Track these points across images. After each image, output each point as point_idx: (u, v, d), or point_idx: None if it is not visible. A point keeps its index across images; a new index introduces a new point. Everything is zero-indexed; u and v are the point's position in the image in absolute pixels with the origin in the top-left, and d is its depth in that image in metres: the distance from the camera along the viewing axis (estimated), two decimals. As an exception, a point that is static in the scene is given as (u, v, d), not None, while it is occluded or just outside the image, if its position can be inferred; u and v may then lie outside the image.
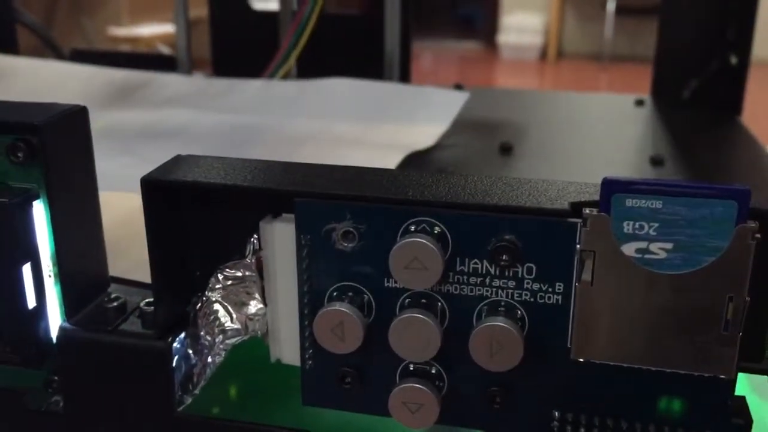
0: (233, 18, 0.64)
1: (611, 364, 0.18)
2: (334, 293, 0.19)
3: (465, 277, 0.19)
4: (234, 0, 0.64)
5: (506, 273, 0.19)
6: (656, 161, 0.39)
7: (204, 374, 0.21)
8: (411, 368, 0.20)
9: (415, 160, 0.38)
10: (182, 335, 0.21)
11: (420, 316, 0.19)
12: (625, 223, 0.17)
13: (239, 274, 0.21)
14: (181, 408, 0.21)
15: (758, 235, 0.17)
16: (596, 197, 0.17)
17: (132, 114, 0.46)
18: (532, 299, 0.19)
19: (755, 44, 0.51)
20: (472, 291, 0.19)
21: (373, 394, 0.20)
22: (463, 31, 3.31)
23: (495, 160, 0.40)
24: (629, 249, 0.17)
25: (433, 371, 0.20)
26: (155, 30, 1.92)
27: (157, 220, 0.20)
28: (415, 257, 0.18)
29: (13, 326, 0.21)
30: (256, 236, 0.21)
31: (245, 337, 0.21)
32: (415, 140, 0.41)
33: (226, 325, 0.21)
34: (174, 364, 0.21)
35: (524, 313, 0.19)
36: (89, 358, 0.21)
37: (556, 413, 0.19)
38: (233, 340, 0.21)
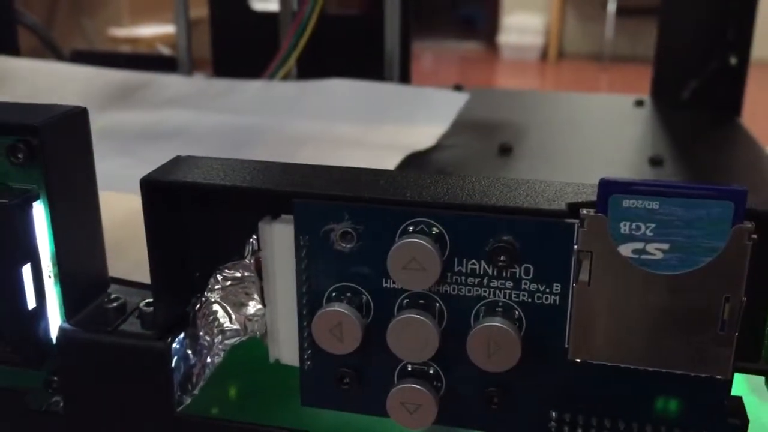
0: (233, 18, 0.64)
1: (608, 364, 0.18)
2: (333, 294, 0.20)
3: (463, 278, 0.19)
4: (234, 0, 0.64)
5: (504, 273, 0.19)
6: (655, 162, 0.40)
7: (203, 374, 0.21)
8: (409, 369, 0.20)
9: (414, 161, 0.38)
10: (181, 336, 0.21)
11: (418, 316, 0.19)
12: (622, 224, 0.17)
13: (238, 274, 0.21)
14: (180, 408, 0.21)
15: (754, 236, 0.17)
16: (593, 198, 0.17)
17: (132, 115, 0.46)
18: (529, 300, 0.19)
19: (755, 44, 0.51)
20: (469, 291, 0.19)
21: (371, 394, 0.20)
22: (464, 31, 3.31)
23: (494, 161, 0.40)
24: (626, 249, 0.17)
25: (431, 372, 0.20)
26: (156, 30, 1.92)
27: (156, 221, 0.20)
28: (413, 258, 0.18)
29: (13, 327, 0.21)
30: (255, 237, 0.21)
31: (244, 338, 0.21)
32: (414, 141, 0.41)
33: (225, 325, 0.21)
34: (173, 365, 0.21)
35: (522, 313, 0.19)
36: (89, 358, 0.21)
37: (554, 413, 0.19)
38: (232, 341, 0.21)
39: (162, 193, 0.20)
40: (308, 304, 0.20)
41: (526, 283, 0.19)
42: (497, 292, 0.19)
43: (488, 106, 0.53)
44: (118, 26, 1.92)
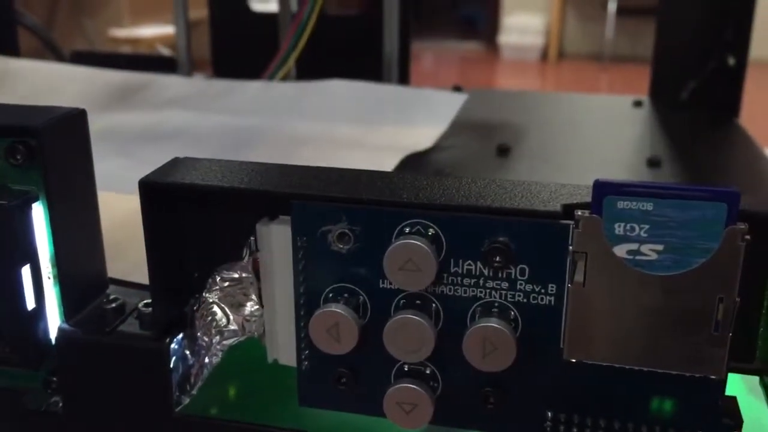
0: (233, 19, 0.64)
1: (603, 364, 0.18)
2: (330, 294, 0.20)
3: (459, 279, 0.19)
4: (234, 1, 0.64)
5: (499, 274, 0.19)
6: (653, 162, 0.40)
7: (201, 375, 0.22)
8: (406, 369, 0.20)
9: (413, 162, 0.39)
10: (180, 336, 0.21)
11: (414, 317, 0.19)
12: (616, 225, 0.17)
13: (236, 275, 0.21)
14: (179, 408, 0.21)
15: (748, 237, 0.17)
16: (588, 199, 0.18)
17: (132, 116, 0.46)
18: (525, 300, 0.19)
19: (753, 45, 0.51)
20: (465, 292, 0.19)
21: (368, 394, 0.20)
22: (464, 31, 3.31)
23: (492, 162, 0.40)
24: (621, 250, 0.17)
25: (428, 372, 0.20)
26: (156, 31, 1.93)
27: (155, 222, 0.20)
28: (410, 259, 0.18)
29: (12, 327, 0.21)
30: (252, 238, 0.21)
31: (242, 338, 0.21)
32: (413, 142, 0.41)
33: (223, 326, 0.21)
34: (172, 365, 0.21)
35: (517, 314, 0.19)
36: (88, 358, 0.21)
37: (549, 413, 0.20)
38: (230, 341, 0.21)
39: (160, 195, 0.20)
40: (305, 305, 0.20)
41: (521, 284, 0.19)
42: (493, 292, 0.19)
43: (487, 107, 0.53)
44: (119, 27, 1.92)
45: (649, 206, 0.17)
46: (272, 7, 0.61)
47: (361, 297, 0.20)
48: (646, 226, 0.17)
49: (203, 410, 0.23)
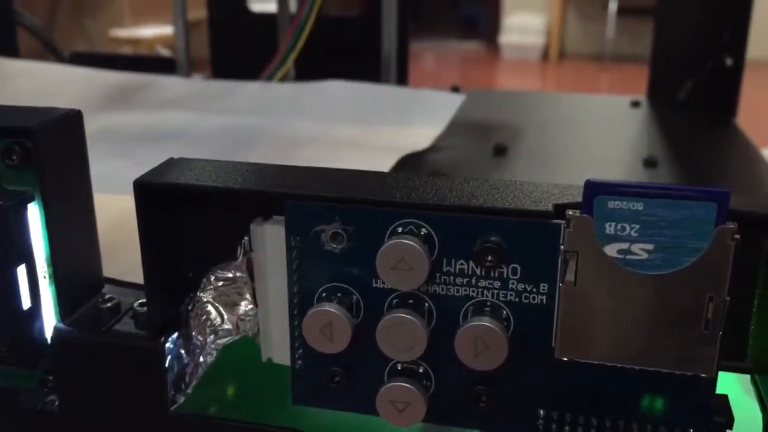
0: (232, 20, 0.64)
1: (595, 363, 0.19)
2: (323, 294, 0.20)
3: (451, 278, 0.19)
4: (232, 2, 0.64)
5: (491, 274, 0.19)
6: (650, 163, 0.40)
7: (196, 374, 0.22)
8: (399, 367, 0.20)
9: (410, 162, 0.39)
10: (175, 335, 0.21)
11: (407, 316, 0.19)
12: (607, 225, 0.17)
13: (230, 275, 0.21)
14: (174, 407, 0.22)
15: (737, 236, 0.17)
16: (579, 199, 0.18)
17: (130, 116, 0.46)
18: (517, 299, 0.19)
19: (750, 45, 0.51)
20: (458, 291, 0.19)
21: (361, 393, 0.20)
22: (465, 31, 3.31)
23: (489, 162, 0.40)
24: (611, 250, 0.18)
25: (421, 370, 0.20)
26: (157, 31, 1.93)
27: (149, 222, 0.20)
28: (402, 258, 0.19)
29: (8, 327, 0.21)
30: (246, 238, 0.21)
31: (236, 337, 0.22)
32: (411, 142, 0.41)
33: (217, 325, 0.21)
34: (167, 364, 0.21)
35: (509, 313, 0.19)
36: (83, 358, 0.21)
37: (541, 411, 0.20)
38: (225, 340, 0.21)
39: (155, 195, 0.20)
40: (299, 304, 0.20)
41: (513, 283, 0.19)
42: (485, 291, 0.19)
43: (484, 108, 0.53)
44: (120, 27, 1.93)
45: (639, 206, 0.17)
46: (271, 7, 0.61)
47: (354, 296, 0.20)
48: (637, 226, 0.17)
49: (198, 409, 0.23)
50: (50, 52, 0.66)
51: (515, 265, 0.19)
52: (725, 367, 0.20)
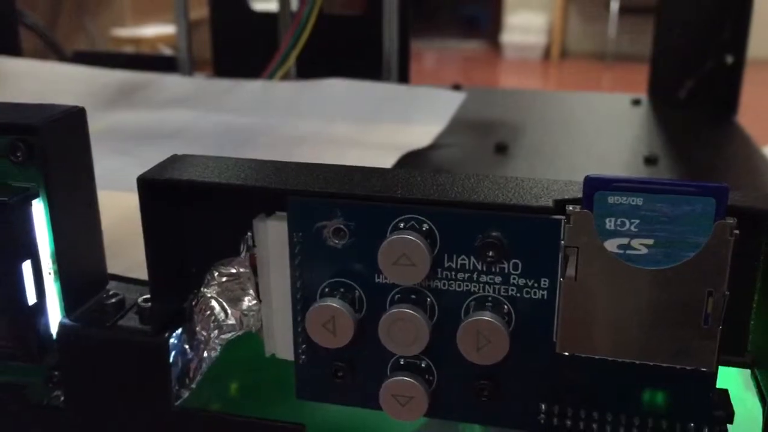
0: (233, 19, 0.64)
1: (596, 357, 0.19)
2: (326, 289, 0.20)
3: (453, 273, 0.19)
4: (234, 1, 0.64)
5: (493, 269, 0.19)
6: (650, 160, 0.40)
7: (200, 369, 0.22)
8: (401, 362, 0.20)
9: (411, 160, 0.39)
10: (179, 331, 0.22)
11: (409, 311, 0.19)
12: (607, 220, 0.18)
13: (234, 270, 0.21)
14: (178, 402, 0.22)
15: (736, 231, 0.17)
16: (579, 195, 0.18)
17: (132, 115, 0.47)
18: (518, 294, 0.19)
19: (751, 44, 0.51)
20: (459, 286, 0.19)
21: (364, 387, 0.21)
22: (467, 30, 3.31)
23: (490, 160, 0.40)
24: (611, 245, 0.18)
25: (423, 365, 0.20)
26: (158, 31, 1.93)
27: (153, 218, 0.20)
28: (404, 253, 0.19)
29: (13, 322, 0.21)
30: (250, 234, 0.21)
31: (240, 332, 0.22)
32: (411, 140, 0.41)
33: (221, 320, 0.21)
34: (171, 359, 0.21)
35: (510, 307, 0.19)
36: (88, 353, 0.22)
37: (543, 406, 0.20)
38: (228, 335, 0.22)
39: (158, 191, 0.20)
40: (302, 300, 0.20)
41: (514, 278, 0.19)
42: (486, 287, 0.19)
43: (485, 106, 0.53)
44: (121, 27, 1.93)
45: (639, 201, 0.17)
46: (272, 6, 0.61)
47: (356, 291, 0.20)
48: (637, 221, 0.17)
49: (202, 404, 0.23)
50: (53, 51, 0.66)
51: (516, 261, 0.19)
52: (725, 361, 0.20)
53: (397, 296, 0.20)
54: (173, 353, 0.21)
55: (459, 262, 0.19)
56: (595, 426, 0.20)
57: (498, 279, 0.19)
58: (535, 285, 0.19)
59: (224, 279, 0.21)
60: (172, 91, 0.51)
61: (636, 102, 0.54)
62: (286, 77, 0.53)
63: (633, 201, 0.17)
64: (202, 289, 0.22)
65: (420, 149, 0.40)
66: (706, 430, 0.19)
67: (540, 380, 0.20)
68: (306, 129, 0.44)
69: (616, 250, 0.18)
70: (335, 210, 0.19)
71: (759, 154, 0.42)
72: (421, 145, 0.41)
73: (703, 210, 0.17)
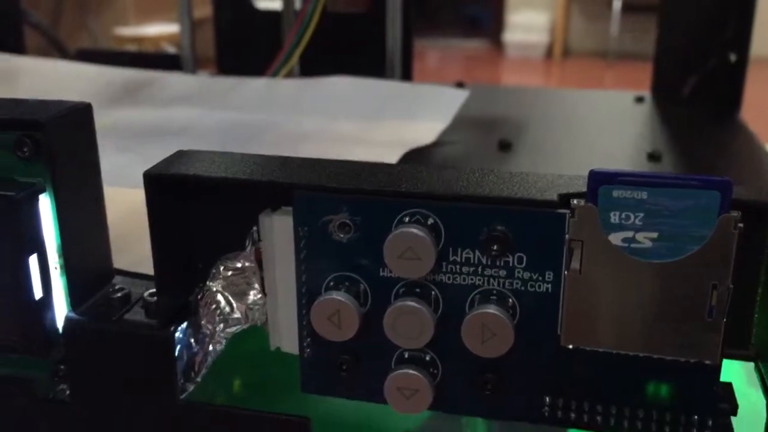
0: (237, 17, 0.65)
1: (600, 350, 0.19)
2: (331, 283, 0.20)
3: (457, 267, 0.19)
4: (238, -1, 0.64)
5: (497, 262, 0.19)
6: (654, 157, 0.40)
7: (206, 362, 0.22)
8: (406, 356, 0.20)
9: (414, 157, 0.39)
10: (184, 325, 0.22)
11: (414, 304, 0.19)
12: (611, 214, 0.18)
13: (239, 265, 0.21)
14: (183, 395, 0.22)
15: (741, 225, 0.17)
16: (584, 189, 0.18)
17: (136, 113, 0.47)
18: (522, 288, 0.19)
19: (754, 41, 0.51)
20: (464, 280, 0.19)
21: (369, 380, 0.21)
22: (469, 29, 3.31)
23: (494, 157, 0.41)
24: (616, 238, 0.18)
25: (428, 358, 0.20)
26: (161, 29, 1.93)
27: (159, 213, 0.21)
28: (409, 247, 0.19)
29: (20, 316, 0.21)
30: (255, 228, 0.21)
31: (245, 326, 0.22)
32: (415, 137, 0.41)
33: (227, 314, 0.22)
34: (176, 353, 0.21)
35: (515, 301, 0.19)
36: (94, 347, 0.22)
37: (547, 399, 0.20)
38: (234, 329, 0.22)
39: (164, 186, 0.21)
40: (307, 293, 0.20)
41: (519, 272, 0.19)
42: (491, 280, 0.19)
43: (488, 103, 0.53)
44: (124, 25, 1.93)
45: (643, 195, 0.17)
46: (276, 4, 0.61)
47: (361, 285, 0.20)
48: (641, 215, 0.17)
49: (207, 398, 0.23)
50: (56, 49, 0.66)
51: (521, 254, 0.19)
52: (729, 354, 0.20)
53: (402, 290, 0.20)
54: (179, 347, 0.22)
55: (464, 255, 0.19)
56: (599, 419, 0.20)
57: (503, 272, 0.19)
58: (540, 278, 0.19)
59: (230, 273, 0.22)
60: (176, 89, 0.51)
61: (639, 99, 0.54)
62: (289, 75, 0.53)
63: (637, 195, 0.17)
64: (207, 283, 0.22)
65: (424, 146, 0.41)
66: (710, 422, 0.19)
67: (544, 373, 0.20)
68: (310, 126, 0.44)
69: (621, 244, 0.18)
70: (341, 204, 0.19)
71: (763, 151, 0.42)
72: (425, 143, 0.41)
73: (707, 203, 0.17)
